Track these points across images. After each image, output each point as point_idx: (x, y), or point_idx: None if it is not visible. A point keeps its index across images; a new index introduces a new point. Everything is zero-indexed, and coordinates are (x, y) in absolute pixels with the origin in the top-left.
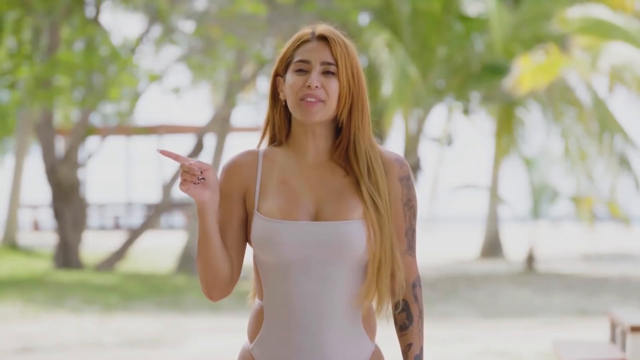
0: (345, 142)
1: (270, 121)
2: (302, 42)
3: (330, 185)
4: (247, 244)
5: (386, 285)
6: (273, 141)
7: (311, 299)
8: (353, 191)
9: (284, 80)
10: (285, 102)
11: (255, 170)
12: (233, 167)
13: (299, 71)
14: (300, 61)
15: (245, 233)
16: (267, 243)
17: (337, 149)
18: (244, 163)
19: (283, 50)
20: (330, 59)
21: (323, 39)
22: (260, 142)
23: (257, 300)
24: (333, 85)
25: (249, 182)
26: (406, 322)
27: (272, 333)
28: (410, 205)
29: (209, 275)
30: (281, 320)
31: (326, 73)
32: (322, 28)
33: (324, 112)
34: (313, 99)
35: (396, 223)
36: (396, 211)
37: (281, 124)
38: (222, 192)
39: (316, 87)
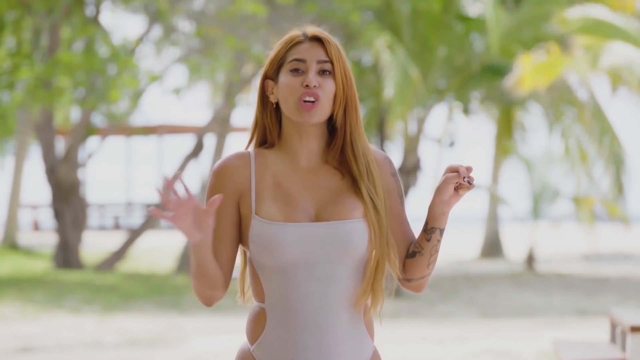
0: (340, 143)
1: (259, 124)
2: (294, 44)
3: (327, 188)
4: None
5: (382, 285)
6: (262, 144)
7: (316, 300)
8: (351, 192)
9: (275, 83)
10: (276, 104)
11: (248, 174)
12: (225, 171)
13: (295, 71)
14: (296, 60)
15: (239, 236)
16: (270, 246)
17: (332, 151)
18: (236, 166)
19: (273, 53)
20: (325, 58)
21: (316, 39)
22: (248, 145)
23: (255, 302)
24: (329, 84)
25: (243, 185)
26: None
27: (276, 334)
28: (402, 195)
29: (204, 290)
30: (285, 322)
31: (322, 73)
32: (313, 29)
33: (322, 113)
34: (312, 99)
35: (397, 215)
36: (395, 205)
37: (272, 127)
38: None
39: (314, 86)
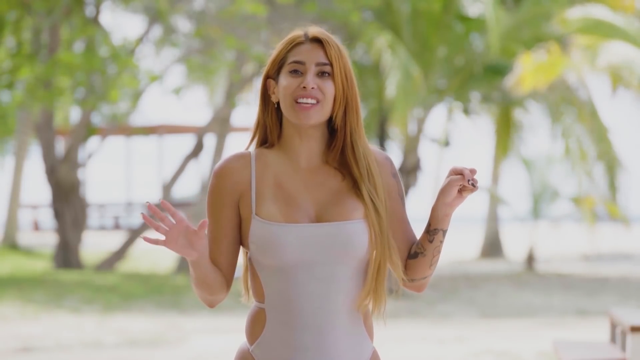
0: (340, 145)
1: (261, 124)
2: (295, 44)
3: (328, 189)
4: (241, 246)
5: (384, 287)
6: (263, 143)
7: (316, 300)
8: (352, 193)
9: (276, 82)
10: (277, 104)
11: (249, 174)
12: (225, 172)
13: (293, 72)
14: (295, 62)
15: (239, 237)
16: (270, 247)
17: (332, 152)
18: (236, 167)
19: (275, 53)
20: (324, 60)
21: (316, 40)
22: (249, 145)
23: (255, 302)
24: (328, 86)
25: (243, 186)
26: (417, 251)
27: (276, 334)
28: (402, 195)
29: (206, 296)
30: (285, 322)
31: (321, 74)
32: (314, 30)
33: (320, 115)
34: (308, 101)
35: (398, 216)
36: (396, 205)
37: (273, 126)
38: (215, 198)
39: (312, 88)
